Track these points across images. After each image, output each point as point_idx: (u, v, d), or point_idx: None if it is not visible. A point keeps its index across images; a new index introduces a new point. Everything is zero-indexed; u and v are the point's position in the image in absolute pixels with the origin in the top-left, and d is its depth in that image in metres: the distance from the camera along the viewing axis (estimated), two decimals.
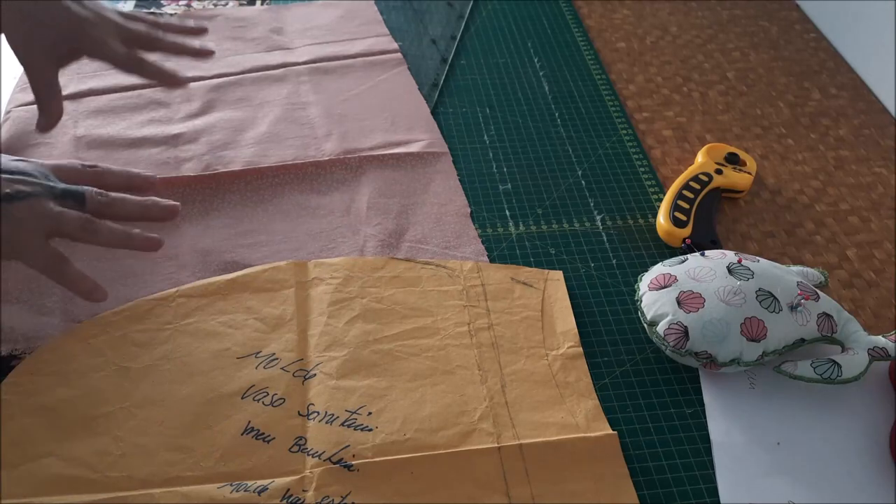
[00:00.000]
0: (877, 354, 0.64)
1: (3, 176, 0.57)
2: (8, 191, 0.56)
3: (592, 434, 0.60)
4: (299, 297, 0.69)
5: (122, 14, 0.78)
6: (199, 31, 0.83)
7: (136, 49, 0.76)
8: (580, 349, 0.67)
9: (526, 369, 0.65)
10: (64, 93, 0.87)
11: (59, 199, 0.58)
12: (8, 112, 0.86)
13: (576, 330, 0.68)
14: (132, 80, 0.90)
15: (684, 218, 0.77)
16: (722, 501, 0.59)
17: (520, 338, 0.67)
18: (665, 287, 0.67)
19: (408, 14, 1.06)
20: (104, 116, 0.86)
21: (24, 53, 0.72)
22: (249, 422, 0.60)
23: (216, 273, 0.71)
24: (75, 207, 0.59)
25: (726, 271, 0.66)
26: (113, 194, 0.61)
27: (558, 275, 0.73)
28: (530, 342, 0.67)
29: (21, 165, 0.58)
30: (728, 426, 0.63)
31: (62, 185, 0.59)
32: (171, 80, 0.77)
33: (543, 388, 0.64)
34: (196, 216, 0.76)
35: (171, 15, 1.01)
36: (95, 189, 0.61)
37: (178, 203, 0.63)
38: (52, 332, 0.65)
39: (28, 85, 0.89)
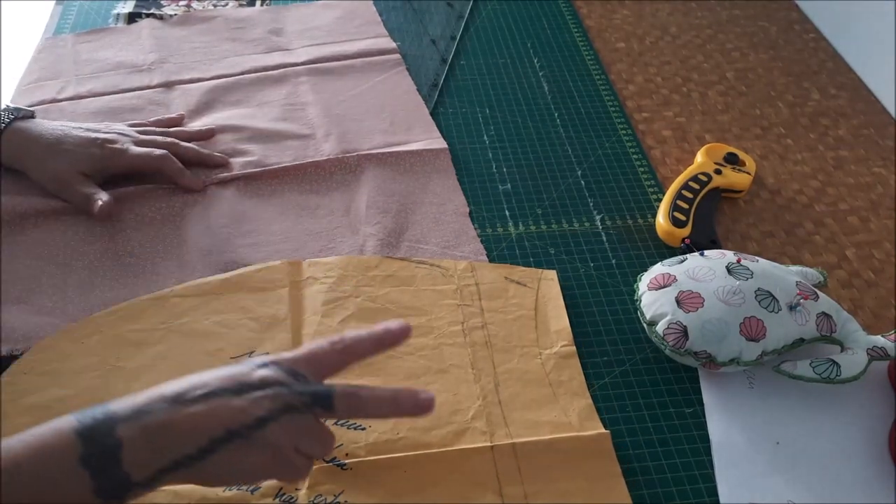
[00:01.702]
0: (876, 354, 0.64)
1: (254, 395, 0.48)
2: (260, 414, 0.48)
3: (585, 433, 0.60)
4: (293, 297, 0.69)
5: (132, 125, 0.82)
6: (208, 135, 0.84)
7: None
8: (573, 348, 0.67)
9: (519, 368, 0.65)
10: (63, 95, 0.89)
11: (307, 407, 0.50)
12: None
13: (569, 329, 0.68)
14: (131, 82, 0.91)
15: (683, 218, 0.77)
16: (721, 501, 0.58)
17: (513, 337, 0.67)
18: (664, 287, 0.66)
19: (407, 14, 1.06)
20: (104, 117, 0.85)
21: (53, 186, 0.75)
22: None
23: (216, 273, 0.71)
24: (322, 413, 0.51)
25: (725, 271, 0.66)
26: (363, 393, 0.51)
27: (552, 274, 0.73)
28: (524, 341, 0.67)
29: (267, 374, 0.49)
30: (727, 426, 0.63)
31: (311, 389, 0.50)
32: (191, 183, 0.79)
33: (537, 387, 0.64)
34: (196, 217, 0.76)
35: (172, 15, 1.01)
36: (344, 389, 0.51)
37: (421, 392, 0.52)
38: (52, 332, 0.65)
39: (28, 86, 0.90)
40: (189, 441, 0.46)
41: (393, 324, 0.53)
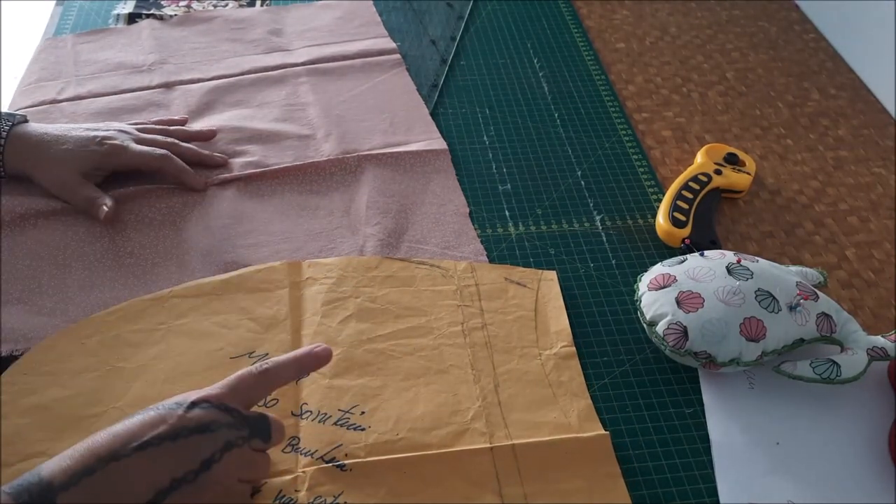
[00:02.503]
0: (876, 354, 0.64)
1: (194, 439, 0.48)
2: (204, 457, 0.48)
3: (585, 434, 0.60)
4: (293, 297, 0.69)
5: (132, 124, 0.81)
6: (209, 136, 0.84)
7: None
8: (573, 349, 0.67)
9: (519, 369, 0.65)
10: (63, 95, 0.89)
11: (245, 441, 0.50)
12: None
13: (569, 330, 0.68)
14: (131, 82, 0.91)
15: (683, 218, 0.77)
16: (721, 501, 0.58)
17: (513, 337, 0.67)
18: (664, 287, 0.66)
19: (407, 15, 1.06)
20: (103, 118, 0.86)
21: (55, 188, 0.75)
22: None
23: (216, 273, 0.71)
24: (259, 444, 0.52)
25: (725, 271, 0.66)
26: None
27: (552, 275, 0.73)
28: (524, 342, 0.67)
29: (202, 415, 0.49)
30: (727, 426, 0.63)
31: (248, 423, 0.51)
32: (195, 181, 0.79)
33: (536, 388, 0.64)
34: (196, 217, 0.76)
35: (172, 15, 1.01)
36: (276, 418, 0.54)
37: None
38: (52, 332, 0.65)
39: (29, 87, 0.90)
40: (134, 496, 0.46)
41: (316, 347, 0.57)
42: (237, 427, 0.50)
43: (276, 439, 0.54)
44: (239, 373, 0.54)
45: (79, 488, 0.45)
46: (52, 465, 0.46)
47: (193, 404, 0.50)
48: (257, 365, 0.54)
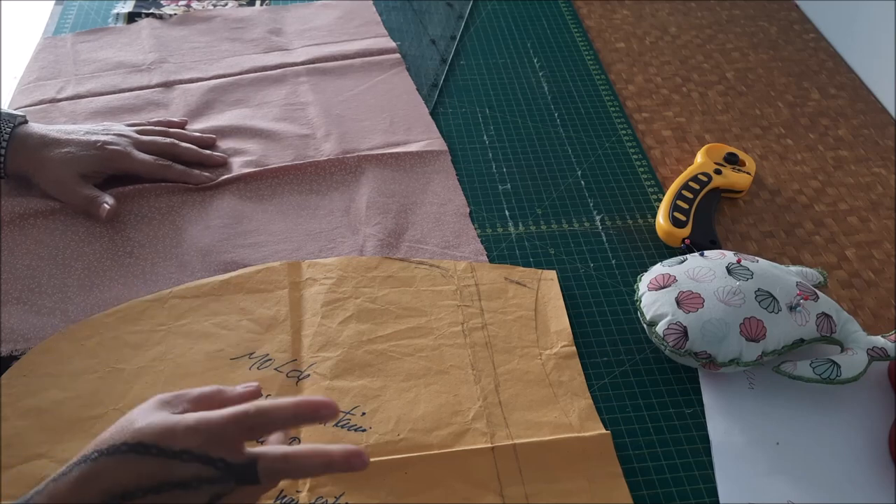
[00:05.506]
0: (876, 354, 0.64)
1: (176, 492, 0.45)
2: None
3: (586, 433, 0.60)
4: (293, 298, 0.69)
5: (131, 125, 0.81)
6: (210, 142, 0.84)
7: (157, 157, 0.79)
8: (574, 348, 0.67)
9: (519, 369, 0.65)
10: (63, 95, 0.89)
11: (233, 489, 0.47)
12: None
13: (569, 329, 0.68)
14: (130, 81, 0.91)
15: (683, 218, 0.77)
16: (721, 501, 0.58)
17: (513, 337, 0.67)
18: (664, 287, 0.66)
19: (407, 14, 1.06)
20: (103, 117, 0.86)
21: (54, 189, 0.75)
22: None
23: (216, 273, 0.71)
24: (248, 486, 0.48)
25: (725, 271, 0.66)
26: (289, 457, 0.48)
27: (552, 274, 0.73)
28: (524, 342, 0.67)
29: (185, 470, 0.46)
30: (727, 426, 0.63)
31: (234, 473, 0.47)
32: (199, 179, 0.79)
33: (537, 388, 0.64)
34: (196, 216, 0.76)
35: (172, 15, 1.01)
36: (267, 462, 0.47)
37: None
38: (52, 333, 0.65)
39: (28, 86, 0.90)
40: None
41: (319, 399, 0.49)
42: (222, 480, 0.46)
43: (267, 483, 0.48)
44: (231, 413, 0.48)
45: None
46: None
47: (175, 454, 0.46)
48: (253, 404, 0.49)
